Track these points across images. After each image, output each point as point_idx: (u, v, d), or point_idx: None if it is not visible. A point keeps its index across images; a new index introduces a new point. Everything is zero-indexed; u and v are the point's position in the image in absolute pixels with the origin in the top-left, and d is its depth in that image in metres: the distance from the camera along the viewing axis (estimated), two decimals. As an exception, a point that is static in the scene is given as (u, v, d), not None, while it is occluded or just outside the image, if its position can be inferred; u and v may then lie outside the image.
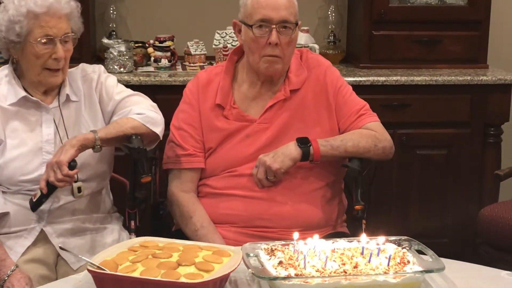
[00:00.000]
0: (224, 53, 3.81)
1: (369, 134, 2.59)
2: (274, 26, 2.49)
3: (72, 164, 2.30)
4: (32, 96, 2.47)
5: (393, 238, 2.10)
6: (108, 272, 1.85)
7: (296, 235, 2.04)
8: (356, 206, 2.52)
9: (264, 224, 2.51)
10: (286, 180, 2.53)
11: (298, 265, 1.92)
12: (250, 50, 2.55)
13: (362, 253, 2.00)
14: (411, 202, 3.87)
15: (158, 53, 3.86)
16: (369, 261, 1.96)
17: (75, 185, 2.38)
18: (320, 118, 2.61)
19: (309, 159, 2.51)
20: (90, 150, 2.38)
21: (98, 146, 2.37)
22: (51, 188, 2.32)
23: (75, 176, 2.33)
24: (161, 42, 3.87)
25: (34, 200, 2.35)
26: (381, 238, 2.07)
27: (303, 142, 2.51)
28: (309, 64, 2.65)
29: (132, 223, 2.60)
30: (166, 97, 3.28)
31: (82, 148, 2.34)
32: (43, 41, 2.38)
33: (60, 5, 2.39)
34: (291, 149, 2.50)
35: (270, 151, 2.53)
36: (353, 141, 2.56)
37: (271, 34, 2.49)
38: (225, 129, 2.59)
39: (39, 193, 2.33)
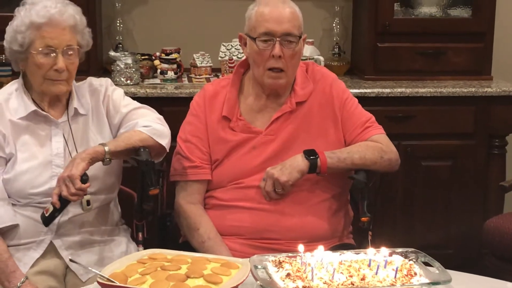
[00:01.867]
0: (230, 65, 3.83)
1: (375, 146, 2.61)
2: (277, 39, 2.51)
3: (84, 178, 2.31)
4: (41, 109, 2.49)
5: (400, 250, 2.11)
6: (118, 284, 1.87)
7: (301, 247, 2.05)
8: (363, 218, 2.53)
9: (270, 236, 2.52)
10: (292, 193, 2.54)
11: (306, 277, 1.93)
12: (255, 63, 2.58)
13: (369, 265, 2.02)
14: (416, 213, 3.88)
15: (165, 65, 3.88)
16: (376, 273, 1.97)
17: (84, 198, 2.38)
18: (326, 130, 2.63)
19: (316, 171, 2.53)
20: (99, 163, 2.39)
21: (108, 159, 2.39)
22: (63, 202, 2.33)
23: (86, 189, 2.35)
24: (167, 54, 3.89)
25: (46, 215, 2.35)
26: (388, 250, 2.08)
27: (310, 154, 2.53)
28: (314, 76, 2.67)
29: (140, 234, 2.62)
30: (172, 109, 3.30)
31: (93, 161, 2.36)
32: (44, 52, 2.40)
33: (63, 16, 2.41)
34: (299, 161, 2.52)
35: (276, 163, 2.55)
36: (359, 153, 2.57)
37: (274, 47, 2.51)
38: (231, 140, 2.61)
39: (51, 208, 2.34)
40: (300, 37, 2.55)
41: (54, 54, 2.40)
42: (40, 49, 2.40)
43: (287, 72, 2.56)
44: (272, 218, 2.53)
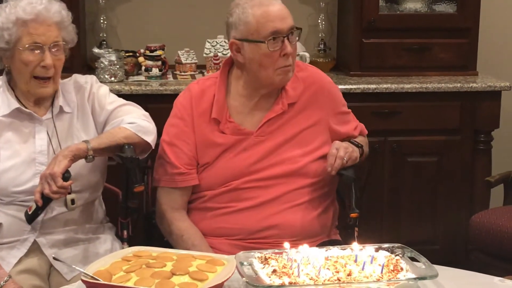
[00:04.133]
0: (215, 61, 3.82)
1: (366, 141, 2.76)
2: (285, 36, 2.46)
3: (66, 176, 2.29)
4: (25, 107, 2.47)
5: (386, 245, 2.10)
6: (102, 282, 1.85)
7: (287, 244, 2.04)
8: (352, 214, 2.52)
9: (260, 235, 2.51)
10: (282, 191, 2.53)
11: (292, 273, 1.92)
12: (262, 66, 2.48)
13: (355, 261, 2.01)
14: (402, 209, 3.88)
15: (149, 62, 3.85)
16: (362, 269, 1.96)
17: (69, 197, 2.36)
18: (316, 132, 2.61)
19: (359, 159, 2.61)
20: (82, 161, 2.37)
21: (91, 156, 2.37)
22: (46, 200, 2.31)
23: (69, 187, 2.33)
24: (151, 51, 3.87)
25: (29, 213, 2.34)
26: (374, 246, 2.08)
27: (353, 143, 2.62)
28: (305, 76, 2.64)
29: (125, 232, 2.60)
30: (157, 106, 3.27)
31: (75, 158, 2.34)
32: (31, 48, 2.38)
33: (49, 13, 2.40)
34: (354, 151, 2.58)
35: (267, 164, 2.54)
36: (364, 147, 2.70)
37: (285, 45, 2.45)
38: (222, 143, 2.56)
39: (34, 206, 2.32)
40: (299, 28, 2.53)
41: (41, 50, 2.39)
42: (27, 45, 2.38)
43: (292, 65, 2.53)
44: (262, 218, 2.51)
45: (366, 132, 2.78)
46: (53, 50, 2.41)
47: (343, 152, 2.50)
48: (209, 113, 2.57)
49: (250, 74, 2.53)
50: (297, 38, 2.52)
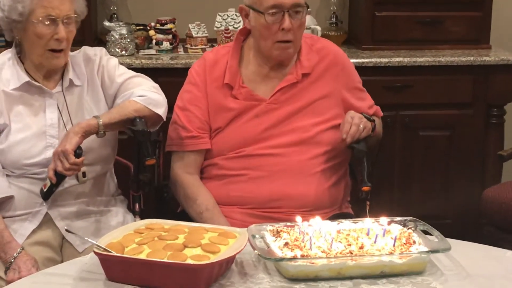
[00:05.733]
0: (226, 35, 3.80)
1: (380, 122, 2.73)
2: (286, 11, 2.45)
3: (78, 152, 2.31)
4: (35, 80, 2.46)
5: (398, 218, 2.10)
6: (115, 254, 1.85)
7: (299, 218, 2.04)
8: (364, 188, 2.50)
9: (272, 205, 2.51)
10: (295, 160, 2.53)
11: (304, 246, 1.93)
12: (262, 36, 2.52)
13: (367, 234, 2.01)
14: (414, 183, 3.87)
15: (160, 36, 3.83)
16: (375, 242, 1.96)
17: (80, 170, 2.37)
18: (330, 103, 2.60)
19: (372, 132, 2.57)
20: (93, 135, 2.37)
21: (102, 132, 2.37)
22: (59, 177, 2.33)
23: (82, 163, 2.33)
24: (162, 24, 3.85)
25: (44, 190, 2.36)
26: (387, 219, 2.07)
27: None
28: (320, 49, 2.63)
29: (137, 205, 2.61)
30: (168, 79, 3.26)
31: (86, 134, 2.34)
32: (45, 21, 2.37)
33: None
34: (368, 122, 2.53)
35: (279, 132, 2.54)
36: (378, 127, 2.65)
37: (284, 20, 2.45)
38: (234, 108, 2.57)
39: (48, 183, 2.34)
40: (307, 6, 2.51)
41: (54, 23, 2.38)
42: (40, 18, 2.37)
43: (294, 43, 2.52)
44: (274, 187, 2.51)
45: (381, 114, 2.76)
46: (65, 22, 2.40)
47: (358, 120, 2.49)
48: (222, 79, 2.58)
49: (256, 42, 2.56)
50: (303, 15, 2.49)
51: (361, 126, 2.48)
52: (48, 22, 2.38)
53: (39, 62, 2.44)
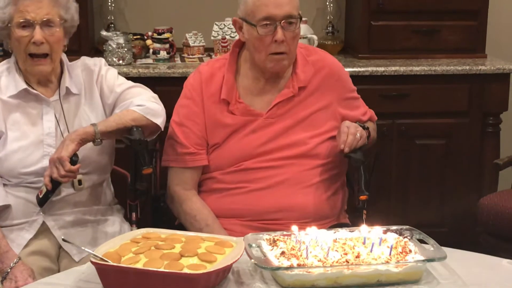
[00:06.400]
0: (223, 44, 3.81)
1: (374, 127, 2.75)
2: (278, 23, 2.44)
3: (74, 159, 2.31)
4: (33, 88, 2.47)
5: (394, 227, 2.10)
6: (112, 263, 1.85)
7: (295, 228, 2.05)
8: (361, 197, 2.50)
9: (271, 216, 2.51)
10: (293, 172, 2.53)
11: (301, 255, 1.93)
12: (255, 49, 2.51)
13: (364, 243, 2.01)
14: (410, 192, 3.88)
15: (157, 45, 3.85)
16: (371, 251, 1.97)
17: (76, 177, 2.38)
18: (327, 116, 2.60)
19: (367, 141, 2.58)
20: (90, 144, 2.38)
21: (99, 140, 2.37)
22: (55, 184, 2.33)
23: (78, 170, 2.33)
24: (159, 34, 3.86)
25: (40, 197, 2.37)
26: (383, 228, 2.08)
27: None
28: (315, 61, 2.63)
29: (134, 214, 2.61)
30: (165, 89, 3.26)
31: (83, 142, 2.35)
32: (22, 25, 2.39)
33: None
34: (360, 127, 2.55)
35: (276, 145, 2.54)
36: (372, 132, 2.67)
37: (276, 32, 2.44)
38: (231, 124, 2.56)
39: (44, 189, 2.35)
40: (300, 17, 2.50)
41: (32, 27, 2.39)
42: (18, 22, 2.39)
43: (289, 54, 2.51)
44: (273, 199, 2.51)
45: (376, 118, 2.78)
46: (45, 26, 2.40)
47: (354, 129, 2.49)
48: (219, 94, 2.57)
49: (251, 55, 2.56)
50: (297, 26, 2.48)
51: (358, 135, 2.49)
52: (25, 26, 2.39)
53: (24, 68, 2.46)
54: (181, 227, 2.56)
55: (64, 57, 2.54)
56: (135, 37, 3.88)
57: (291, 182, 2.53)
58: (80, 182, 2.40)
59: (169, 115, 2.63)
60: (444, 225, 3.89)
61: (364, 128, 2.57)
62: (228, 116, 2.57)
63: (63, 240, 2.31)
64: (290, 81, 2.58)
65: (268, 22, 2.44)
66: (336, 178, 2.63)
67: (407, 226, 2.12)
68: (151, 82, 3.32)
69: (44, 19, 2.40)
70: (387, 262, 1.92)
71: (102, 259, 1.87)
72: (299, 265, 1.89)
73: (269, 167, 2.54)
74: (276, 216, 2.51)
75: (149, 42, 3.87)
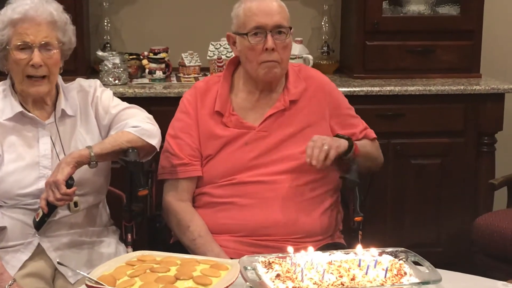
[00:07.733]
0: (219, 64, 3.82)
1: (374, 145, 2.77)
2: (269, 32, 2.51)
3: (69, 183, 2.32)
4: (28, 111, 2.47)
5: (389, 249, 2.11)
6: (107, 287, 1.85)
7: (290, 248, 2.05)
8: (356, 218, 2.52)
9: (263, 232, 2.52)
10: (285, 187, 2.55)
11: (296, 278, 1.93)
12: (248, 59, 2.57)
13: (359, 265, 2.01)
14: (406, 211, 3.87)
15: (153, 65, 3.86)
16: (366, 273, 1.97)
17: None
18: (318, 131, 2.61)
19: (350, 152, 2.56)
20: (86, 165, 2.38)
21: (94, 162, 2.38)
22: (51, 207, 2.34)
23: (73, 193, 2.34)
24: (155, 54, 3.87)
25: (37, 220, 2.37)
26: (378, 250, 2.08)
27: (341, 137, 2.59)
28: (307, 77, 2.68)
29: (129, 236, 2.60)
30: (161, 109, 3.27)
31: (78, 165, 2.35)
32: (21, 47, 2.40)
33: (37, 12, 2.41)
34: (340, 140, 2.54)
35: (268, 159, 2.56)
36: (366, 147, 2.68)
37: (267, 40, 2.52)
38: (224, 136, 2.60)
39: (41, 213, 2.35)
40: (290, 28, 2.56)
41: (30, 49, 2.40)
42: (16, 45, 2.40)
43: (281, 64, 2.57)
44: (265, 215, 2.52)
45: (372, 136, 2.77)
46: (43, 49, 2.41)
47: (320, 142, 2.48)
48: (213, 106, 2.62)
49: (244, 67, 2.61)
50: (287, 37, 2.54)
51: (325, 147, 2.48)
52: (24, 48, 2.40)
53: (21, 89, 2.46)
54: (176, 246, 2.56)
55: (59, 79, 2.54)
56: (131, 57, 3.89)
57: (282, 197, 2.55)
58: (76, 204, 2.40)
59: (165, 134, 2.64)
60: (440, 244, 3.89)
61: (344, 138, 2.57)
62: (222, 128, 2.61)
63: (58, 263, 2.31)
64: (281, 95, 2.63)
65: (258, 31, 2.52)
66: (330, 194, 2.64)
67: (402, 248, 2.12)
68: (147, 102, 3.34)
69: (43, 42, 2.41)
70: (382, 285, 1.92)
71: (97, 282, 1.87)
72: (294, 288, 1.89)
73: (261, 182, 2.56)
74: (268, 231, 2.52)
75: (145, 62, 3.88)
